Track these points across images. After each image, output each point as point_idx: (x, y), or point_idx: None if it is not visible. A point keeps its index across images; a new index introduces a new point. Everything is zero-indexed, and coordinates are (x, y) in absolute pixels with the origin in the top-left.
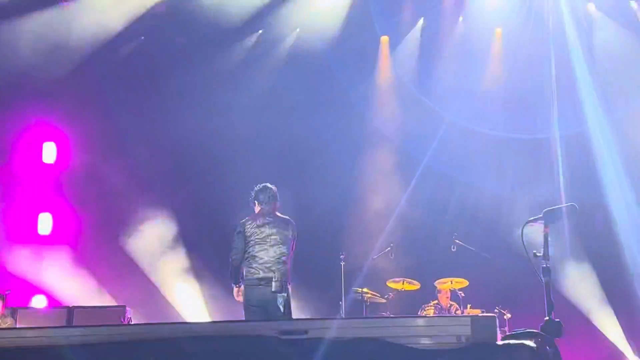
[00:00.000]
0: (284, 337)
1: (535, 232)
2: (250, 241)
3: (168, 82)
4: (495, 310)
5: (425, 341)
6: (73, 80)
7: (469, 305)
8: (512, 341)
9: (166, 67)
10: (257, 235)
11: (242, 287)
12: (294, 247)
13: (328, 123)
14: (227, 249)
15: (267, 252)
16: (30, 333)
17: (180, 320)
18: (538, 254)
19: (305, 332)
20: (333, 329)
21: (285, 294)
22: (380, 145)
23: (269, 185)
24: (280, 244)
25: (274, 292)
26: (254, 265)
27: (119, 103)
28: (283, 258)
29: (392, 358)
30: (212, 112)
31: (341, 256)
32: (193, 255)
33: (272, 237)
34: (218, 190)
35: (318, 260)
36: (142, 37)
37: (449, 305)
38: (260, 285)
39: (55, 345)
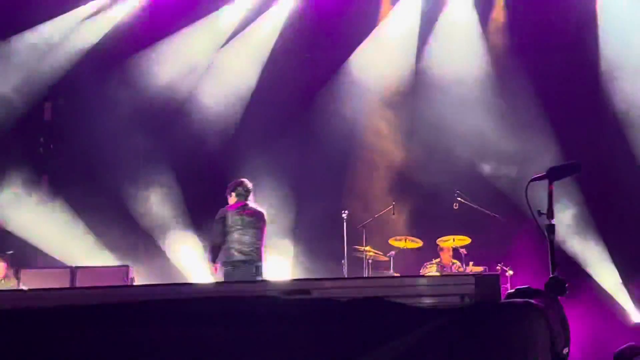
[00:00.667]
0: (286, 297)
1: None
2: (230, 228)
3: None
4: (497, 268)
5: (429, 300)
6: None
7: (471, 263)
8: (516, 300)
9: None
10: (237, 223)
11: (222, 267)
12: (265, 234)
13: (328, 83)
14: None
15: (245, 237)
16: (32, 294)
17: (183, 281)
18: (542, 212)
19: (308, 292)
20: (335, 289)
21: (261, 275)
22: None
23: (245, 180)
24: (256, 230)
25: (254, 274)
26: (235, 248)
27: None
28: (258, 243)
29: (395, 317)
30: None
31: (343, 214)
32: (198, 217)
33: (249, 225)
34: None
35: (320, 218)
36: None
37: (451, 263)
38: (240, 266)
39: (59, 305)
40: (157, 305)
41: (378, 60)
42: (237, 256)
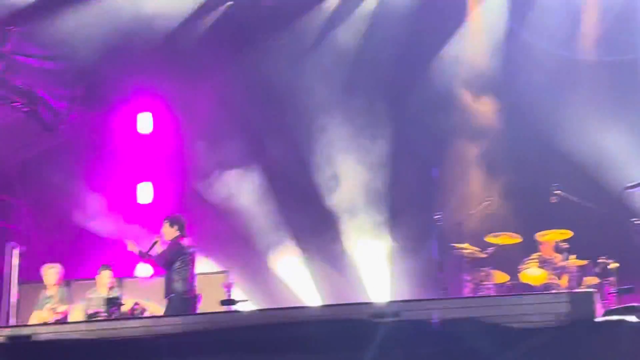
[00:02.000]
0: (376, 320)
1: None
2: (190, 263)
3: (256, 46)
4: (600, 260)
5: (522, 320)
6: (164, 50)
7: (573, 257)
8: (611, 317)
9: (253, 31)
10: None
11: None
12: None
13: (411, 79)
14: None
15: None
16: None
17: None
18: (637, 222)
19: (397, 314)
20: (424, 311)
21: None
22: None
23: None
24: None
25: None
26: (194, 284)
27: (209, 69)
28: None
29: (487, 338)
30: (299, 73)
31: (436, 217)
32: (292, 219)
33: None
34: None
35: (415, 218)
36: (231, 2)
37: (552, 257)
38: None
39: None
40: (250, 331)
41: (471, 48)
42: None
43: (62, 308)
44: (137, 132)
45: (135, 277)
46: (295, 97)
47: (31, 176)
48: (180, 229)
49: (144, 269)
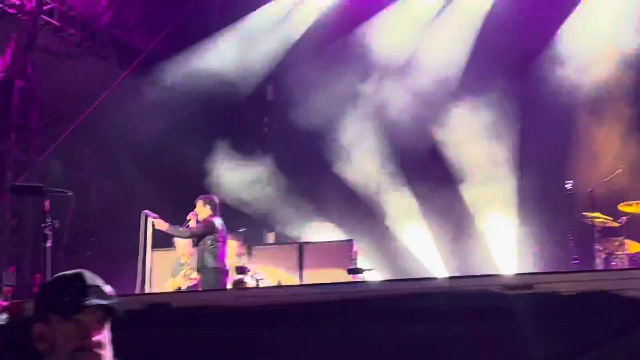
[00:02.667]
0: (508, 292)
1: None
2: (221, 240)
3: None
4: None
5: None
6: None
7: None
8: None
9: None
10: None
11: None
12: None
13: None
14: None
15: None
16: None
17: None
18: None
19: (531, 287)
20: (556, 284)
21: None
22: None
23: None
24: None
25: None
26: (224, 261)
27: None
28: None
29: (621, 311)
30: None
31: (568, 184)
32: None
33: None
34: None
35: (543, 186)
36: None
37: None
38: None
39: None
40: (379, 303)
41: (596, 22)
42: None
43: (195, 275)
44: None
45: (265, 245)
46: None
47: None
48: (213, 208)
49: (270, 237)
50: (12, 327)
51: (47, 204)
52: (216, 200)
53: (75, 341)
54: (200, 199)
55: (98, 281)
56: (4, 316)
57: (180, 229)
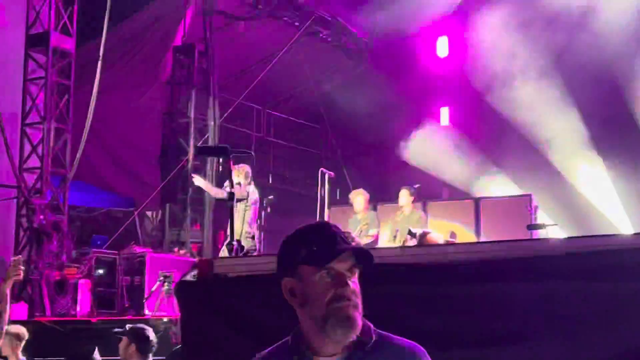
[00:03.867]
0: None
1: None
2: (253, 207)
3: None
4: None
5: None
6: None
7: None
8: None
9: None
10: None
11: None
12: None
13: None
14: None
15: None
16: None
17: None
18: None
19: None
20: None
21: None
22: None
23: None
24: None
25: None
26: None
27: None
28: None
29: None
30: None
31: None
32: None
33: None
34: None
35: None
36: None
37: None
38: None
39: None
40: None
41: None
42: None
43: (372, 231)
44: (436, 56)
45: (440, 199)
46: None
47: (337, 104)
48: (246, 176)
49: (445, 192)
50: (202, 283)
51: (231, 164)
52: (249, 169)
53: (330, 291)
54: (235, 167)
55: (342, 231)
56: (194, 272)
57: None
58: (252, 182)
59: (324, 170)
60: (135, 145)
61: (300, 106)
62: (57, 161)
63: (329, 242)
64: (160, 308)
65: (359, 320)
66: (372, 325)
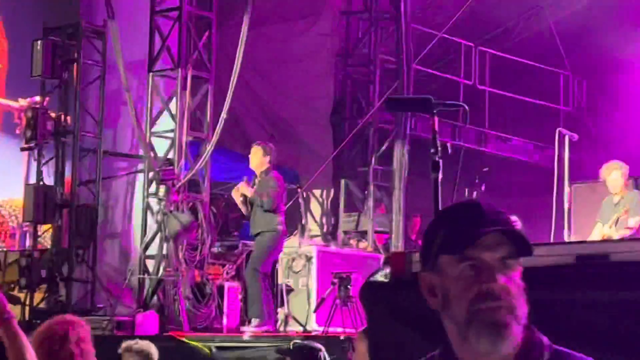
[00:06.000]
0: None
1: None
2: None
3: None
4: None
5: None
6: None
7: None
8: None
9: None
10: None
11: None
12: None
13: None
14: None
15: None
16: None
17: None
18: None
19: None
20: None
21: None
22: None
23: None
24: None
25: None
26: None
27: None
28: None
29: None
30: None
31: None
32: None
33: None
34: None
35: None
36: None
37: None
38: None
39: None
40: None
41: None
42: None
43: (633, 221)
44: None
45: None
46: None
47: (582, 37)
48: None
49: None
50: (397, 284)
51: (437, 121)
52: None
53: (474, 288)
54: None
55: (500, 211)
56: (385, 271)
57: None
58: None
59: (564, 130)
60: (298, 99)
61: (528, 41)
62: (196, 122)
63: (471, 222)
64: (334, 321)
65: (514, 328)
66: (545, 339)
